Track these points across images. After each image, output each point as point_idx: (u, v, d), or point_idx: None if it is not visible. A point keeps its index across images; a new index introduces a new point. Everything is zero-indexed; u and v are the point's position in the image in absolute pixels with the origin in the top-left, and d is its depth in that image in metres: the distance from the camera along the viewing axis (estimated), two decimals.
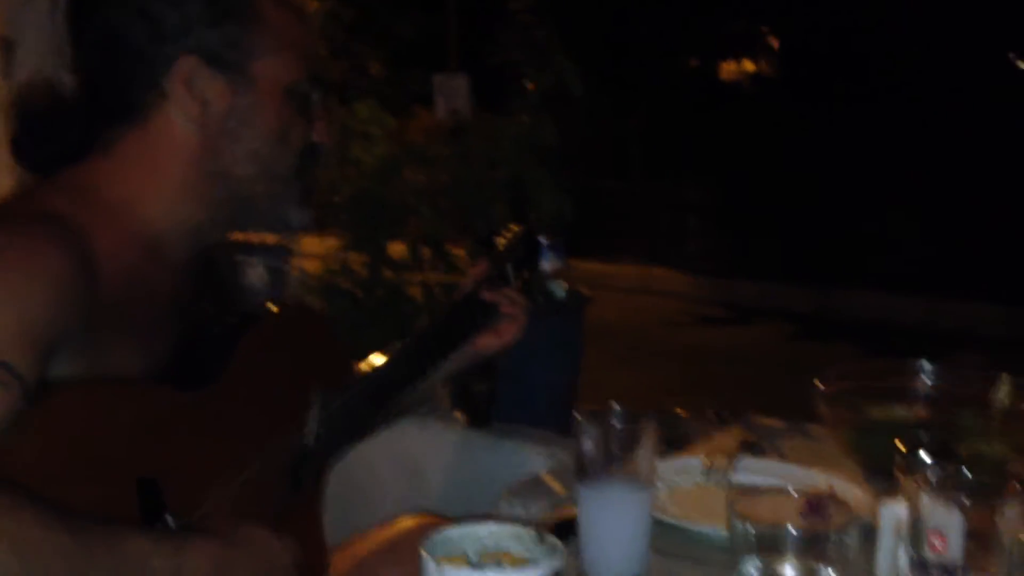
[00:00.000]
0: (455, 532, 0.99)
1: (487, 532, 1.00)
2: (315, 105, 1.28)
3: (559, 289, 2.64)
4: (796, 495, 1.04)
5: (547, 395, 2.67)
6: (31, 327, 1.03)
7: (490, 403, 2.44)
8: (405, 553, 1.46)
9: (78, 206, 1.15)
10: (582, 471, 1.07)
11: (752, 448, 1.50)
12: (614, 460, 1.07)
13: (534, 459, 2.24)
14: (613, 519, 1.04)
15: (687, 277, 7.94)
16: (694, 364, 5.88)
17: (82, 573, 0.94)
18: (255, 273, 2.77)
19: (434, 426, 2.39)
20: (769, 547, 0.95)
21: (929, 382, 1.47)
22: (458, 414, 2.43)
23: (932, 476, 0.97)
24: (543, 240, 1.81)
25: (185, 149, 1.21)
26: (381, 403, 1.46)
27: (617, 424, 1.07)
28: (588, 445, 1.07)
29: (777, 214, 7.98)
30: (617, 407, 1.09)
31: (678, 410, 2.61)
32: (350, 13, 11.25)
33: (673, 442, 2.15)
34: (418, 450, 2.39)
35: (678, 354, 6.16)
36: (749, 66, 10.71)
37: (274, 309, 1.39)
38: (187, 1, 1.19)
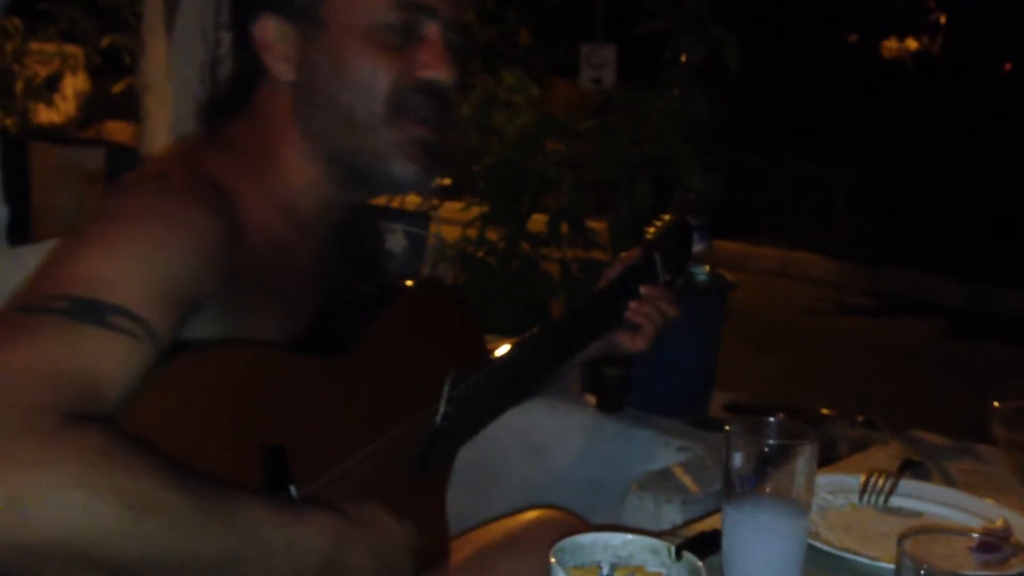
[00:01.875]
0: (587, 540, 0.93)
1: (621, 542, 0.93)
2: (419, 38, 1.18)
3: (701, 272, 2.53)
4: (972, 535, 0.92)
5: (684, 381, 2.57)
6: (170, 284, 1.01)
7: (623, 389, 2.36)
8: (526, 547, 1.41)
9: (228, 166, 1.15)
10: (730, 488, 0.97)
11: (915, 468, 1.37)
12: (766, 477, 0.96)
13: (666, 451, 2.16)
14: (764, 546, 0.94)
15: (831, 262, 7.64)
16: (834, 355, 5.64)
17: (193, 537, 0.90)
18: (394, 238, 2.76)
19: (563, 408, 2.32)
20: None
21: None
22: (589, 397, 2.36)
23: None
24: (692, 223, 1.73)
25: (285, 106, 1.19)
26: (514, 388, 1.40)
27: (772, 439, 0.97)
28: (738, 460, 0.97)
29: (931, 200, 7.60)
30: (772, 419, 0.99)
31: (823, 410, 2.48)
32: None
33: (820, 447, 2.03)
34: (545, 432, 2.33)
35: (817, 343, 5.92)
36: (912, 43, 10.20)
37: (412, 284, 1.35)
38: None
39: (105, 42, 5.38)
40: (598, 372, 2.31)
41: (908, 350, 5.86)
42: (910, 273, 7.30)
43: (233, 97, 1.24)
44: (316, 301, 1.22)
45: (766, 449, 0.96)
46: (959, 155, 7.77)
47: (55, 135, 6.57)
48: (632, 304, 1.51)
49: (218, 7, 2.74)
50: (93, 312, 0.95)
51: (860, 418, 2.39)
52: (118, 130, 7.99)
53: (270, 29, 1.18)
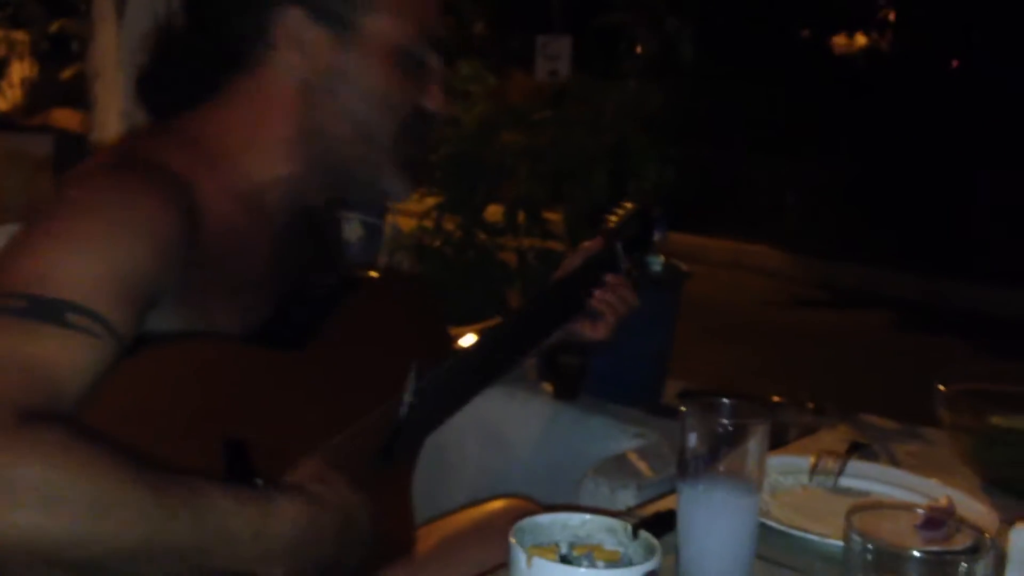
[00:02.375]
0: (546, 520, 0.95)
1: (579, 522, 0.95)
2: (430, 69, 1.22)
3: (656, 262, 2.56)
4: (919, 511, 0.95)
5: (639, 370, 2.59)
6: (128, 279, 1.00)
7: (580, 377, 2.38)
8: (492, 535, 1.42)
9: (185, 156, 1.13)
10: (684, 467, 0.99)
11: (862, 450, 1.40)
12: (720, 458, 0.99)
13: (622, 437, 2.18)
14: (718, 523, 0.96)
15: (785, 255, 7.72)
16: (788, 347, 5.71)
17: (158, 531, 0.90)
18: (351, 228, 2.75)
19: (520, 396, 2.34)
20: (888, 569, 0.86)
21: None
22: (546, 385, 2.37)
23: None
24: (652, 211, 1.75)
25: (286, 102, 1.18)
26: (479, 378, 1.41)
27: (726, 419, 0.99)
28: (692, 440, 0.99)
29: (884, 194, 7.71)
30: (726, 400, 1.01)
31: (775, 397, 2.51)
32: None
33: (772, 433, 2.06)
34: (503, 420, 2.34)
35: (771, 335, 5.99)
36: (861, 39, 10.34)
37: (375, 274, 1.35)
38: None
39: (53, 27, 5.29)
40: (555, 360, 2.33)
41: (861, 342, 5.95)
42: (863, 267, 7.41)
43: (197, 83, 1.22)
44: (276, 293, 1.21)
45: (720, 429, 0.98)
46: (911, 150, 7.89)
47: (1, 122, 6.44)
48: (596, 292, 1.53)
49: None
50: (51, 311, 0.94)
51: (810, 405, 2.43)
52: (65, 117, 7.85)
53: (298, 24, 1.16)
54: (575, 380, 2.35)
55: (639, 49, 2.59)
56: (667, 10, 2.98)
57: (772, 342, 5.80)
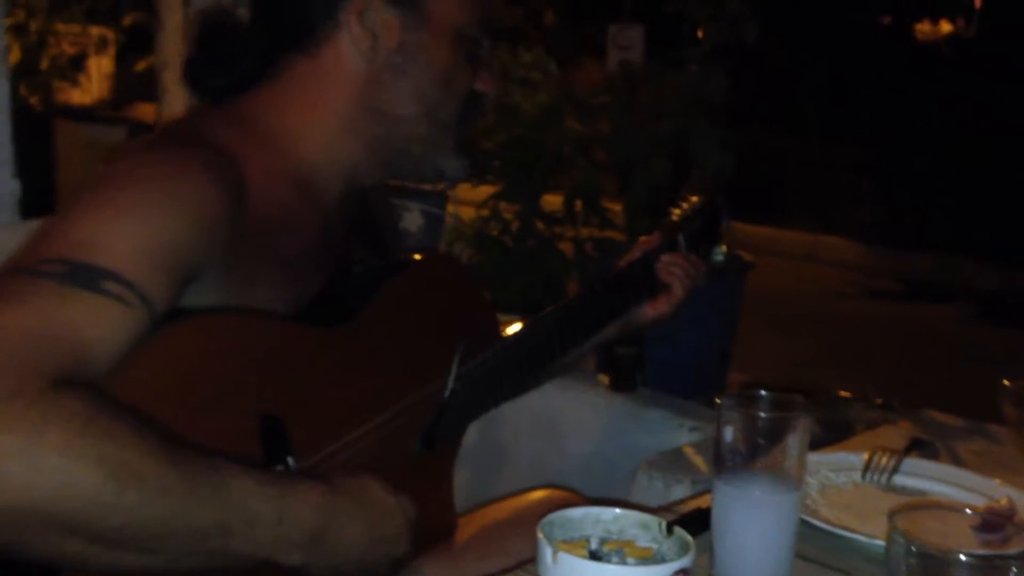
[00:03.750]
0: (577, 514, 0.91)
1: (611, 517, 0.92)
2: (484, 53, 1.24)
3: (718, 253, 2.51)
4: (970, 512, 0.90)
5: (698, 362, 2.54)
6: (167, 250, 1.00)
7: (637, 368, 2.34)
8: (531, 527, 1.40)
9: (236, 134, 1.14)
10: (720, 462, 0.95)
11: (923, 447, 1.34)
12: (759, 452, 0.94)
13: (679, 431, 2.15)
14: (753, 522, 0.92)
15: (859, 246, 7.54)
16: (859, 339, 5.57)
17: (178, 508, 0.90)
18: (411, 218, 2.75)
19: (576, 387, 2.31)
20: (933, 572, 0.82)
21: None
22: (602, 377, 2.34)
23: None
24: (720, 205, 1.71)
25: (351, 81, 1.18)
26: (527, 368, 1.39)
27: (764, 412, 0.95)
28: (729, 433, 0.95)
29: (961, 184, 7.48)
30: (764, 392, 0.96)
31: (841, 392, 2.45)
32: None
33: (834, 428, 2.00)
34: (558, 412, 2.32)
35: (843, 327, 5.86)
36: (946, 26, 10.04)
37: (421, 258, 1.34)
38: None
39: (127, 21, 5.39)
40: (612, 351, 2.30)
41: (935, 334, 5.78)
42: (939, 257, 7.20)
43: (255, 65, 1.22)
44: (322, 272, 1.20)
45: (758, 423, 0.94)
46: (992, 141, 7.65)
47: (81, 114, 6.61)
48: (665, 258, 1.51)
49: None
50: (87, 277, 0.94)
51: (878, 400, 2.36)
52: (147, 111, 8.03)
53: (369, 4, 1.17)
54: (632, 371, 2.31)
55: (700, 33, 2.54)
56: None
57: (844, 335, 5.67)
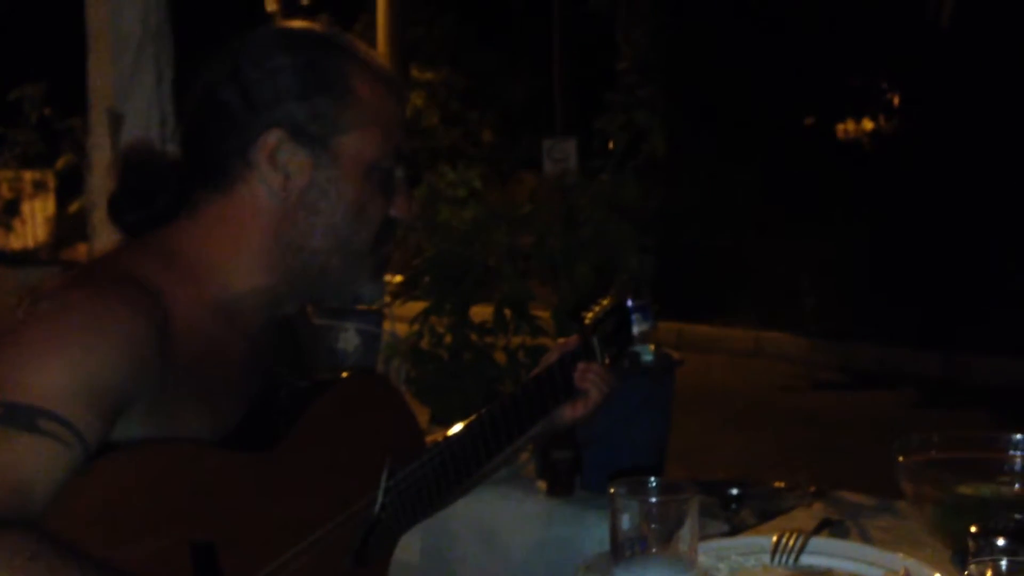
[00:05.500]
0: None
1: None
2: (397, 180, 1.28)
3: (646, 352, 2.56)
4: None
5: (634, 461, 2.57)
6: (99, 387, 1.04)
7: (573, 471, 2.36)
8: None
9: (159, 268, 1.17)
10: (618, 551, 0.99)
11: (834, 526, 1.38)
12: (654, 538, 0.98)
13: None
14: None
15: (802, 340, 7.68)
16: (806, 431, 5.64)
17: None
18: (347, 338, 2.77)
19: (514, 495, 2.33)
20: None
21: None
22: (541, 484, 2.36)
23: (1004, 563, 0.86)
24: (631, 304, 1.76)
25: (264, 218, 1.22)
26: (454, 475, 1.41)
27: (655, 498, 0.99)
28: (625, 521, 0.99)
29: (898, 273, 7.69)
30: (654, 479, 1.01)
31: (776, 483, 2.48)
32: (462, 81, 11.56)
33: (767, 517, 2.03)
34: (498, 520, 2.33)
35: (792, 420, 5.93)
36: (868, 124, 10.45)
37: (344, 376, 1.37)
38: (281, 73, 1.20)
39: (59, 164, 5.46)
40: (547, 456, 2.32)
41: (881, 423, 5.86)
42: (882, 347, 7.34)
43: (173, 201, 1.26)
44: (247, 397, 1.23)
45: (651, 508, 0.98)
46: (922, 229, 7.90)
47: (16, 258, 6.61)
48: (580, 365, 1.54)
49: (163, 120, 2.81)
50: (24, 417, 0.98)
51: (812, 488, 2.41)
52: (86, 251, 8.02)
53: (278, 145, 1.20)
54: (569, 475, 2.33)
55: (611, 144, 2.67)
56: (659, 106, 3.03)
57: (792, 428, 5.73)
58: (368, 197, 1.24)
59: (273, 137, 1.20)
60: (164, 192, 1.26)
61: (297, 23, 1.30)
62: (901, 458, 1.32)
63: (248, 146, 1.20)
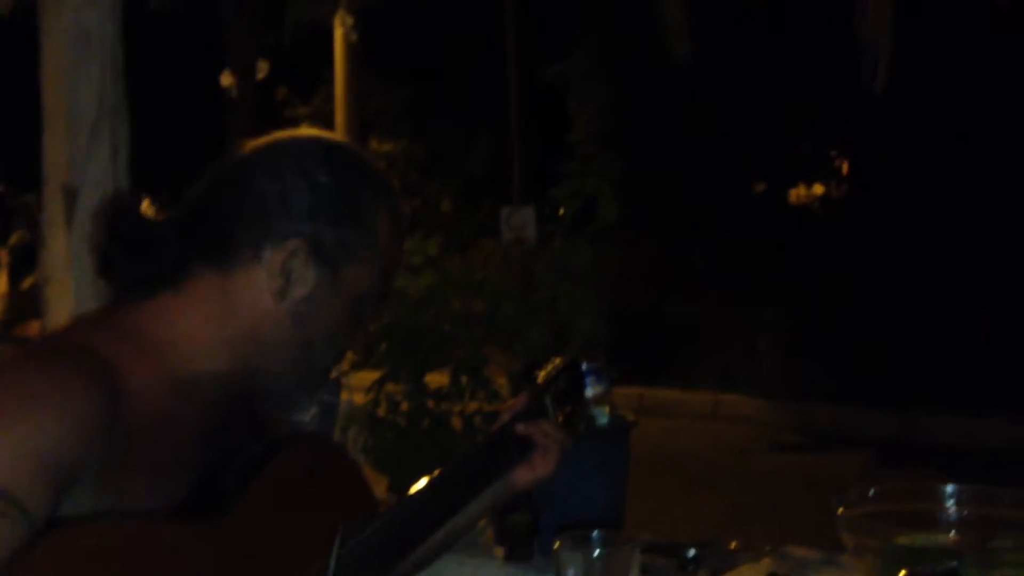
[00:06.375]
0: None
1: None
2: (371, 311, 1.31)
3: (602, 415, 2.59)
4: None
5: (590, 523, 2.58)
6: (48, 463, 1.03)
7: (531, 533, 2.36)
8: None
9: (117, 344, 1.16)
10: None
11: None
12: None
13: None
14: None
15: (761, 402, 7.76)
16: (766, 493, 5.68)
17: None
18: (303, 409, 2.78)
19: (472, 562, 2.32)
20: None
21: (958, 506, 1.37)
22: (498, 550, 2.36)
23: None
24: (585, 367, 1.78)
25: (251, 312, 1.22)
26: (408, 541, 1.41)
27: (599, 550, 1.02)
28: (570, 575, 1.01)
29: (852, 334, 7.81)
30: (597, 532, 1.04)
31: (731, 543, 2.51)
32: (422, 151, 11.69)
33: None
34: None
35: (751, 482, 5.97)
36: (819, 189, 10.69)
37: (296, 442, 1.37)
38: (322, 190, 1.22)
39: (12, 240, 5.43)
40: (504, 521, 2.32)
41: (838, 483, 5.91)
42: (839, 407, 7.43)
43: (172, 262, 1.24)
44: (199, 467, 1.22)
45: (593, 561, 1.01)
46: (874, 291, 8.04)
47: None
48: (535, 424, 1.54)
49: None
50: None
51: (768, 548, 2.43)
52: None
53: (295, 255, 1.21)
54: (527, 539, 2.33)
55: (561, 211, 2.74)
56: (612, 175, 3.12)
57: (750, 490, 5.77)
58: (346, 324, 1.27)
59: (294, 246, 1.21)
60: (162, 252, 1.23)
61: (344, 142, 1.33)
62: (841, 511, 1.36)
63: (266, 241, 1.21)
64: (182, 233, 1.24)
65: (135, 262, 1.23)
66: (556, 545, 1.03)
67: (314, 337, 1.24)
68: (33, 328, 8.13)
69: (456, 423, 2.66)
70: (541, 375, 1.67)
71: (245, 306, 1.21)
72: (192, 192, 1.27)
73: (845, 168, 10.60)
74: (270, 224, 1.21)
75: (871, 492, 1.39)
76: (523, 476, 1.54)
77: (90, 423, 1.07)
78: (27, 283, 4.99)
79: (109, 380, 1.11)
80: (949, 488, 1.40)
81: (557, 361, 1.72)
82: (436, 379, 2.64)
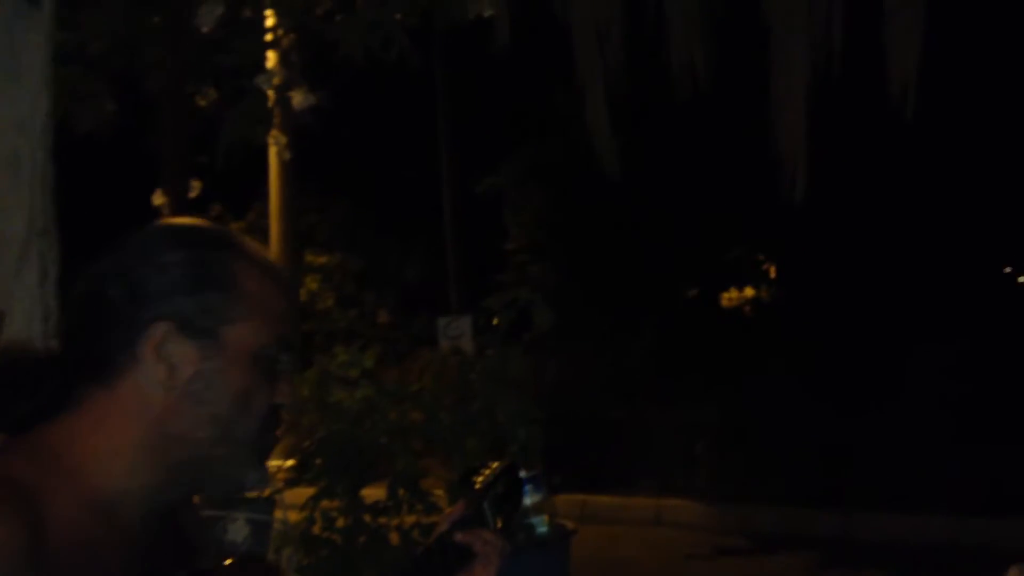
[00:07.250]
0: None
1: None
2: (282, 368, 1.28)
3: (541, 524, 2.58)
4: None
5: None
6: None
7: None
8: None
9: (34, 467, 1.14)
10: None
11: None
12: None
13: None
14: None
15: (702, 506, 7.74)
16: None
17: None
18: (237, 528, 2.72)
19: None
20: None
21: None
22: None
23: None
24: (523, 475, 1.78)
25: (148, 411, 1.20)
26: None
27: None
28: None
29: (790, 434, 7.89)
30: None
31: None
32: (358, 264, 11.69)
33: None
34: None
35: None
36: (750, 291, 10.95)
37: (228, 563, 1.35)
38: (171, 268, 1.22)
39: None
40: None
41: None
42: (780, 508, 7.45)
43: (55, 397, 1.27)
44: None
45: None
46: (810, 391, 8.17)
47: None
48: (473, 532, 1.52)
49: (46, 317, 2.80)
50: None
51: None
52: None
53: (165, 338, 1.19)
54: None
55: (496, 321, 2.76)
56: (547, 284, 3.15)
57: None
58: (254, 385, 1.23)
59: (159, 330, 1.19)
60: (46, 386, 1.23)
61: (185, 220, 1.32)
62: None
63: (135, 339, 1.19)
64: (60, 364, 1.24)
65: (17, 401, 1.22)
66: None
67: (221, 410, 1.20)
68: None
69: (394, 538, 2.62)
70: (479, 480, 1.67)
71: (141, 409, 1.19)
72: (63, 319, 1.29)
73: (772, 271, 10.90)
74: (131, 322, 1.20)
75: None
76: None
77: (11, 559, 1.04)
78: None
79: (30, 511, 1.08)
80: None
81: (494, 465, 1.72)
82: (373, 493, 2.60)
